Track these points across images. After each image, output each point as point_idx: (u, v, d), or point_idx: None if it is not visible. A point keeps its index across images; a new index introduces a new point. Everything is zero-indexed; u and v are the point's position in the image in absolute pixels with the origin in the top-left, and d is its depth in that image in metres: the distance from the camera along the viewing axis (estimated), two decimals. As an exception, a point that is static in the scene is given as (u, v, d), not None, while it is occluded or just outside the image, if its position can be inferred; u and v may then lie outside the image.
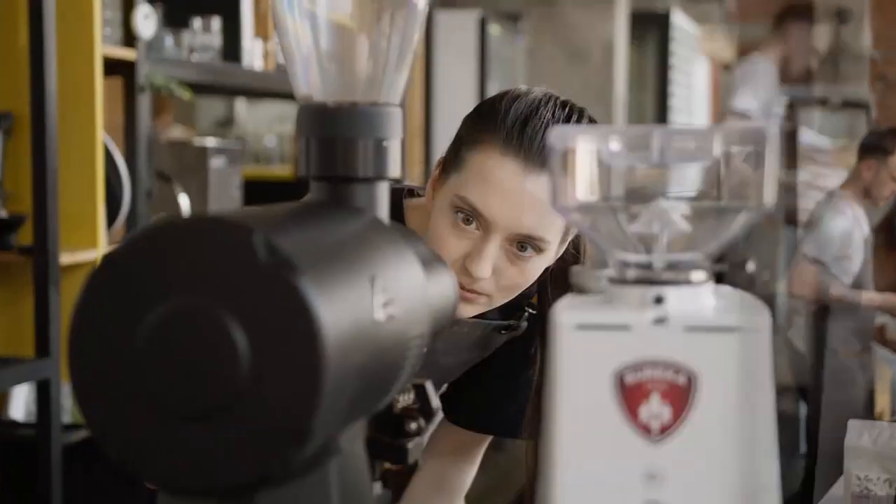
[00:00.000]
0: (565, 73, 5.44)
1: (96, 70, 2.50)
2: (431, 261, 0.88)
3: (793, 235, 4.41)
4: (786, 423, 4.43)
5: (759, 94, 4.24)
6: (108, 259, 0.63)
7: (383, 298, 0.71)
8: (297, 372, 0.61)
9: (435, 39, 4.67)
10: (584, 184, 0.72)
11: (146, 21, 2.66)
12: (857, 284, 4.31)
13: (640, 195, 0.75)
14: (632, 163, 0.72)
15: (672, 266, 0.72)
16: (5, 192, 2.47)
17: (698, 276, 0.71)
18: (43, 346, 2.35)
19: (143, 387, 0.62)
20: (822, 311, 4.34)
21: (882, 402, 4.62)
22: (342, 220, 0.76)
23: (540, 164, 1.21)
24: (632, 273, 0.71)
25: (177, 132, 4.16)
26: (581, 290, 0.78)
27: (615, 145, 0.71)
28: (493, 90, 6.11)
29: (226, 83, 3.16)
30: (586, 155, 0.71)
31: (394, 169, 0.83)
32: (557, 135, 0.71)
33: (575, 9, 5.48)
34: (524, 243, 1.24)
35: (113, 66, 2.65)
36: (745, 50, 10.08)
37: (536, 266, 1.27)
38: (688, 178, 0.73)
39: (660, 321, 0.68)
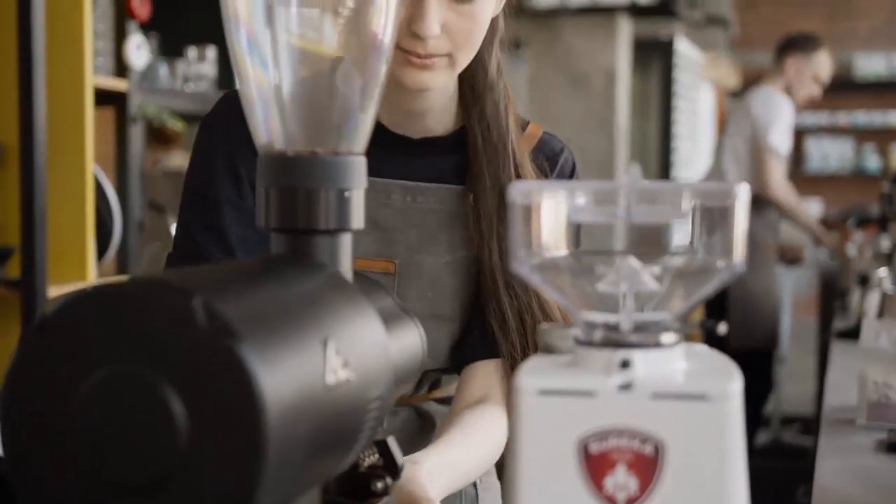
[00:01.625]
0: (567, 100, 5.42)
1: (87, 101, 2.48)
2: (395, 315, 0.85)
3: None
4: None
5: (787, 134, 4.30)
6: (42, 323, 0.60)
7: (338, 361, 0.68)
8: (238, 443, 0.58)
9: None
10: (547, 240, 0.69)
11: (138, 51, 2.64)
12: None
13: (607, 252, 0.72)
14: (598, 219, 0.69)
15: (641, 327, 0.68)
16: (-6, 224, 2.45)
17: (668, 338, 0.68)
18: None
19: (78, 457, 0.59)
20: (752, 202, 4.48)
21: None
22: (298, 277, 0.73)
23: None
24: (598, 334, 0.68)
25: (178, 159, 4.15)
26: (548, 350, 0.74)
27: (580, 201, 0.68)
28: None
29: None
30: (550, 210, 0.68)
31: (357, 220, 0.80)
32: (520, 190, 0.68)
33: (577, 36, 5.46)
34: None
35: (105, 97, 2.63)
36: (749, 76, 10.08)
37: (484, 9, 1.22)
38: (658, 236, 0.69)
39: (626, 387, 0.65)
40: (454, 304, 1.29)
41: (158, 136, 3.79)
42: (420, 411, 1.37)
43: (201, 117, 1.33)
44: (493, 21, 1.28)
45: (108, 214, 2.58)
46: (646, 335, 0.67)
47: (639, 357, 0.66)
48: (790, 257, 4.87)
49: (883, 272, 3.07)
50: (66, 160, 2.48)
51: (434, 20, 1.18)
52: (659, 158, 7.45)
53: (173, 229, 2.96)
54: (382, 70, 0.83)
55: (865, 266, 3.67)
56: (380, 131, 1.29)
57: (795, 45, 4.41)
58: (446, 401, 1.38)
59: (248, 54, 0.80)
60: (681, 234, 0.87)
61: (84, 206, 2.49)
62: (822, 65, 4.37)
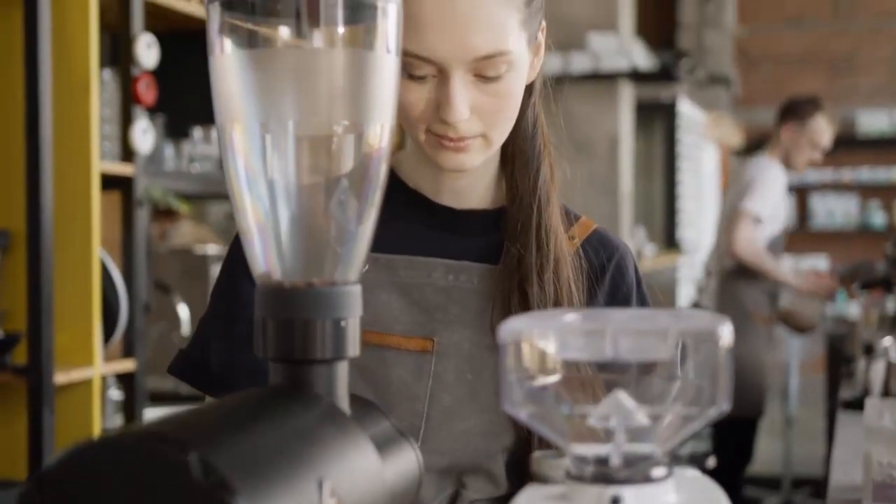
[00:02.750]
0: (571, 165, 5.46)
1: (93, 186, 2.51)
2: (391, 438, 0.86)
3: None
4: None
5: (769, 200, 4.33)
6: (42, 476, 0.61)
7: (333, 501, 0.69)
8: None
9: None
10: (537, 376, 0.70)
11: (144, 136, 2.67)
12: (771, 249, 4.47)
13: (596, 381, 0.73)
14: (586, 356, 0.70)
15: (631, 461, 0.69)
16: (2, 311, 2.46)
17: (658, 472, 0.69)
18: (36, 468, 2.32)
19: None
20: (737, 272, 4.44)
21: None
22: (294, 413, 0.74)
23: None
24: (588, 470, 0.69)
25: (186, 229, 4.17)
26: (541, 479, 0.76)
27: (569, 341, 0.69)
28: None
29: (225, 193, 3.17)
30: (539, 350, 0.70)
31: (353, 348, 0.82)
32: (508, 331, 0.69)
33: (580, 102, 5.51)
34: (488, 66, 1.12)
35: (111, 181, 2.66)
36: (752, 134, 10.15)
37: (515, 83, 1.15)
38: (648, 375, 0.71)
39: (616, 525, 0.66)
40: (495, 391, 1.22)
41: (166, 209, 3.82)
42: None
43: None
44: (529, 87, 1.24)
45: (114, 298, 2.60)
46: (636, 470, 0.69)
47: (629, 493, 0.67)
48: (797, 326, 4.86)
49: (888, 341, 3.06)
50: (73, 246, 2.50)
51: (462, 105, 1.12)
52: (664, 219, 7.48)
53: (179, 309, 2.99)
54: (378, 191, 0.85)
55: (871, 333, 3.67)
56: (422, 203, 1.27)
57: (790, 111, 4.46)
58: None
59: (246, 187, 0.82)
60: (668, 371, 0.87)
61: (90, 292, 2.51)
62: (819, 130, 4.40)
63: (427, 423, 1.19)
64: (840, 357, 4.53)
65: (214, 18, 0.79)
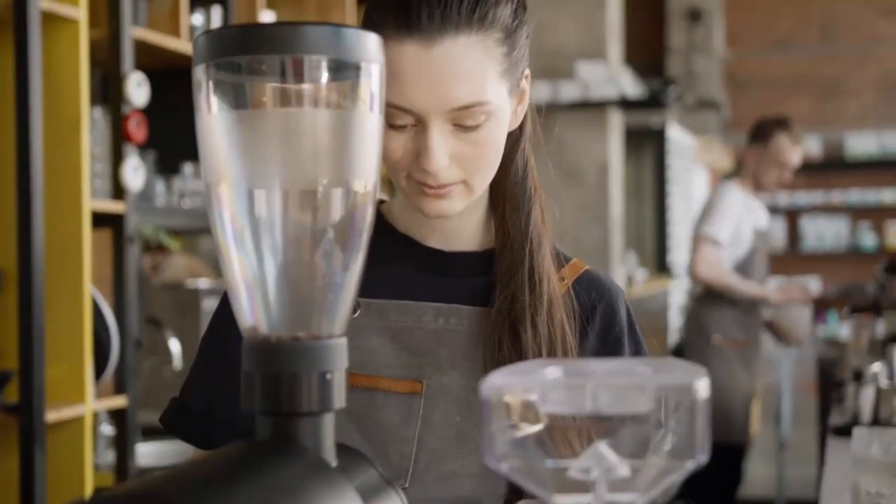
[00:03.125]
0: (561, 193, 5.49)
1: (85, 225, 2.52)
2: (377, 487, 0.87)
3: None
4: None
5: (728, 222, 4.34)
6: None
7: (319, 555, 0.70)
8: None
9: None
10: (519, 431, 0.72)
11: (135, 174, 2.69)
12: (740, 271, 4.45)
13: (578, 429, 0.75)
14: (567, 410, 0.71)
15: (612, 512, 0.71)
16: (-7, 349, 2.47)
17: (639, 523, 0.70)
18: (28, 506, 2.33)
19: None
20: (705, 297, 4.43)
21: (756, 412, 4.75)
22: (280, 467, 0.76)
23: (439, 30, 1.11)
24: (570, 522, 0.71)
25: (179, 261, 4.18)
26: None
27: (550, 395, 0.71)
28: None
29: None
30: (521, 404, 0.71)
31: (339, 400, 0.83)
32: (490, 386, 0.71)
33: (569, 130, 5.55)
34: (466, 116, 1.13)
35: (102, 218, 2.68)
36: (742, 158, 10.20)
37: (494, 132, 1.16)
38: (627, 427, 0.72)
39: (597, 578, 0.68)
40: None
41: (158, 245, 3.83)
42: None
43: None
44: (519, 129, 1.26)
45: (105, 335, 2.61)
46: (617, 522, 0.70)
47: (610, 544, 0.69)
48: (784, 338, 4.87)
49: (877, 367, 3.08)
50: (64, 284, 2.51)
51: (440, 154, 1.14)
52: (654, 244, 7.50)
53: (171, 343, 3.00)
54: (363, 243, 0.87)
55: (860, 357, 3.68)
56: (412, 246, 1.28)
57: (754, 133, 4.49)
58: None
59: (233, 242, 0.83)
60: (647, 423, 0.88)
61: (82, 330, 2.51)
62: (781, 149, 4.38)
63: (415, 466, 1.20)
64: (831, 380, 4.54)
65: (201, 79, 0.81)
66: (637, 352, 1.31)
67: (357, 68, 0.81)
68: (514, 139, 1.26)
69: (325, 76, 0.80)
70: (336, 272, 0.85)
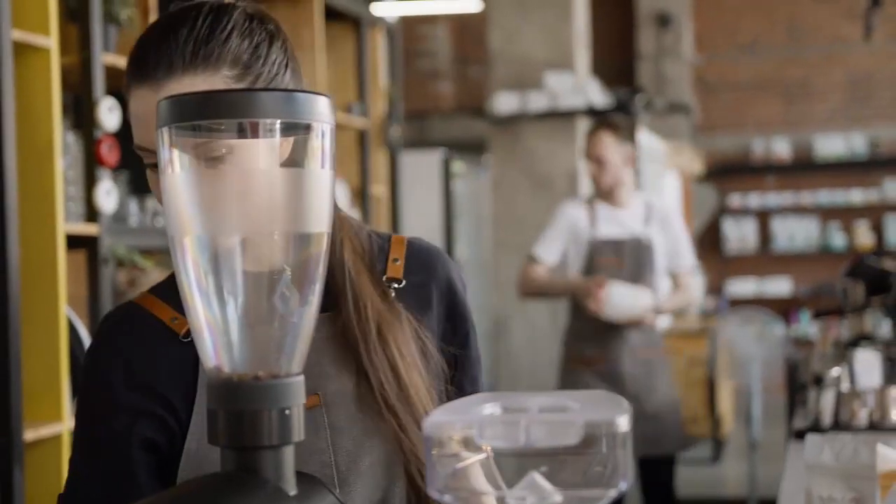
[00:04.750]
0: (531, 201, 5.57)
1: (59, 247, 2.58)
2: (338, 514, 0.94)
3: None
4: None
5: (552, 239, 4.19)
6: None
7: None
8: None
9: (400, 179, 4.79)
10: (458, 463, 0.79)
11: (108, 196, 2.75)
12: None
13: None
14: (504, 444, 0.79)
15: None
16: (-30, 371, 2.52)
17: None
18: (7, 525, 2.38)
19: None
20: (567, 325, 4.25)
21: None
22: (242, 498, 0.82)
23: (166, 73, 1.18)
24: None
25: (155, 276, 4.21)
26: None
27: (487, 431, 0.78)
28: (459, 225, 6.24)
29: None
30: (460, 439, 0.78)
31: (298, 433, 0.90)
32: (431, 423, 0.78)
33: (538, 140, 5.63)
34: (207, 150, 1.10)
35: (76, 241, 2.73)
36: (713, 161, 10.34)
37: (247, 164, 1.15)
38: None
39: None
40: (384, 423, 1.28)
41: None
42: None
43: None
44: None
45: (81, 354, 2.67)
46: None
47: (542, 566, 0.76)
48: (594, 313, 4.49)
49: (837, 371, 3.15)
50: (40, 305, 2.56)
51: None
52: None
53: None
54: (318, 287, 0.93)
55: (825, 360, 3.75)
56: None
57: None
58: None
59: (196, 290, 0.90)
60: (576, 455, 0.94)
61: (58, 349, 2.57)
62: (585, 144, 4.21)
63: (337, 470, 1.26)
64: (797, 381, 4.62)
65: (164, 140, 0.88)
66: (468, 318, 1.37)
67: (308, 128, 0.88)
68: None
69: (278, 137, 0.87)
70: (293, 314, 0.92)
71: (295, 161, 0.89)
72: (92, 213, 2.76)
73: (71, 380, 2.65)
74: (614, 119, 4.26)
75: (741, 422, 7.65)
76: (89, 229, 2.74)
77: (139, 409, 1.24)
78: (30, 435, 2.49)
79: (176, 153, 0.88)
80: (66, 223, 2.65)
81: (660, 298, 4.22)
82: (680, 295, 4.35)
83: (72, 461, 1.27)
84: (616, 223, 4.21)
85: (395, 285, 1.32)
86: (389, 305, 1.29)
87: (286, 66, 1.25)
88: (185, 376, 1.26)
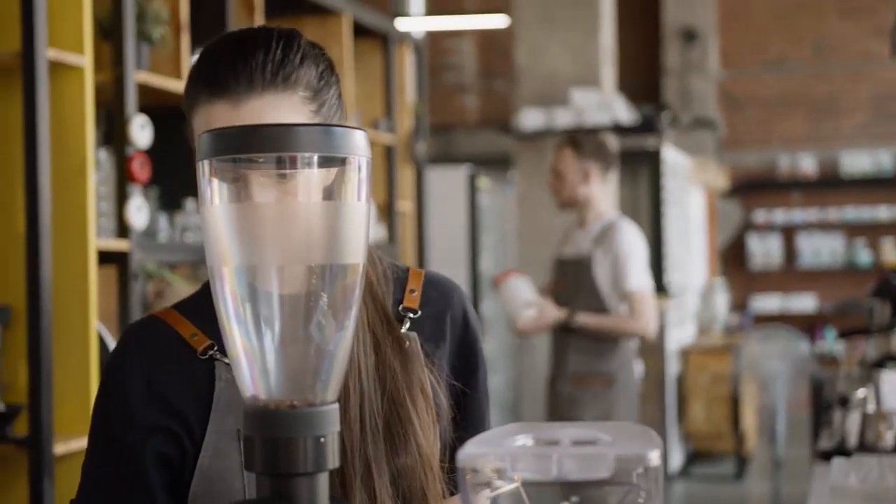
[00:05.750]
0: (556, 217, 5.56)
1: (91, 263, 2.61)
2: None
3: None
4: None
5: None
6: None
7: None
8: None
9: (426, 194, 4.81)
10: (493, 492, 0.80)
11: (139, 213, 2.78)
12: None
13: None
14: (536, 476, 0.80)
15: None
16: (3, 384, 2.55)
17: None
18: (37, 538, 2.41)
19: None
20: (562, 335, 4.07)
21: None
22: (278, 526, 0.84)
23: (246, 90, 1.19)
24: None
25: (181, 289, 4.25)
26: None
27: (519, 463, 0.79)
28: (485, 240, 6.25)
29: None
30: (492, 471, 0.80)
31: (332, 461, 0.91)
32: (465, 455, 0.79)
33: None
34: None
35: (107, 256, 2.76)
36: (738, 176, 10.31)
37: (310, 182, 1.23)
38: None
39: None
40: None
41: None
42: None
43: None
44: None
45: (111, 369, 2.69)
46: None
47: None
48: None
49: (862, 392, 3.14)
50: (71, 320, 2.60)
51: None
52: (651, 264, 7.55)
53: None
54: (353, 315, 0.95)
55: (850, 380, 3.74)
56: None
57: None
58: None
59: (234, 320, 0.92)
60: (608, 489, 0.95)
61: (88, 364, 2.60)
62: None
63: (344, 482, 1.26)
64: (822, 400, 4.60)
65: (205, 173, 0.90)
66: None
67: (344, 161, 0.90)
68: None
69: (315, 170, 0.89)
70: (329, 342, 0.94)
71: (332, 193, 0.91)
72: (123, 229, 2.79)
73: (100, 394, 2.68)
74: (580, 136, 4.24)
75: (765, 439, 7.62)
76: (120, 245, 2.78)
77: (155, 424, 1.25)
78: (60, 448, 2.52)
79: (216, 185, 0.90)
80: (98, 239, 2.68)
81: (577, 313, 3.99)
82: (615, 319, 4.01)
83: (85, 468, 1.28)
84: (571, 243, 4.20)
85: (411, 315, 1.33)
86: (395, 335, 1.30)
87: (339, 95, 1.29)
88: (201, 392, 1.27)
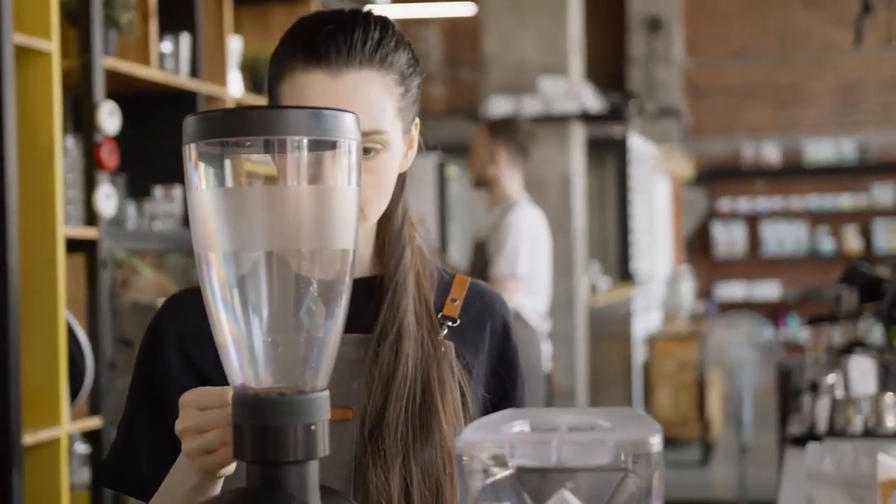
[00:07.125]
0: (525, 205, 5.57)
1: (59, 251, 2.57)
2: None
3: None
4: None
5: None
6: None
7: None
8: None
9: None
10: (489, 481, 0.79)
11: (107, 200, 2.74)
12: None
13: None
14: (535, 463, 0.79)
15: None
16: (-31, 374, 2.51)
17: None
18: (6, 530, 2.37)
19: None
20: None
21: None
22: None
23: (345, 62, 1.21)
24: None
25: (148, 278, 4.21)
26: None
27: (518, 450, 0.78)
28: (453, 229, 6.24)
29: (185, 248, 3.25)
30: (491, 457, 0.79)
31: (322, 448, 0.90)
32: (463, 442, 0.78)
33: (532, 143, 5.62)
34: (365, 142, 1.19)
35: (76, 244, 2.73)
36: (703, 165, 10.36)
37: (389, 162, 1.24)
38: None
39: None
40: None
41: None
42: None
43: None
44: (402, 177, 1.32)
45: (80, 358, 2.66)
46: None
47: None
48: None
49: (832, 378, 3.16)
50: (39, 309, 2.56)
51: None
52: (617, 252, 7.61)
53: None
54: (343, 303, 0.94)
55: (817, 367, 3.76)
56: None
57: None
58: None
59: (222, 307, 0.90)
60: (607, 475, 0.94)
61: (57, 353, 2.56)
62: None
63: (355, 486, 1.24)
64: (790, 385, 4.62)
65: (191, 157, 0.88)
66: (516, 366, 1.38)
67: (334, 145, 0.89)
68: (398, 188, 1.31)
69: (304, 154, 0.88)
70: (319, 329, 0.92)
71: (320, 178, 0.89)
72: (91, 217, 2.75)
73: (70, 384, 2.65)
74: (498, 120, 4.33)
75: (731, 426, 7.67)
76: (89, 233, 2.74)
77: (188, 387, 1.25)
78: (29, 439, 2.48)
79: (203, 169, 0.88)
80: (66, 227, 2.64)
81: None
82: None
83: (122, 427, 1.30)
84: (482, 226, 4.28)
85: (450, 324, 1.33)
86: (434, 342, 1.30)
87: (419, 86, 1.31)
88: None
